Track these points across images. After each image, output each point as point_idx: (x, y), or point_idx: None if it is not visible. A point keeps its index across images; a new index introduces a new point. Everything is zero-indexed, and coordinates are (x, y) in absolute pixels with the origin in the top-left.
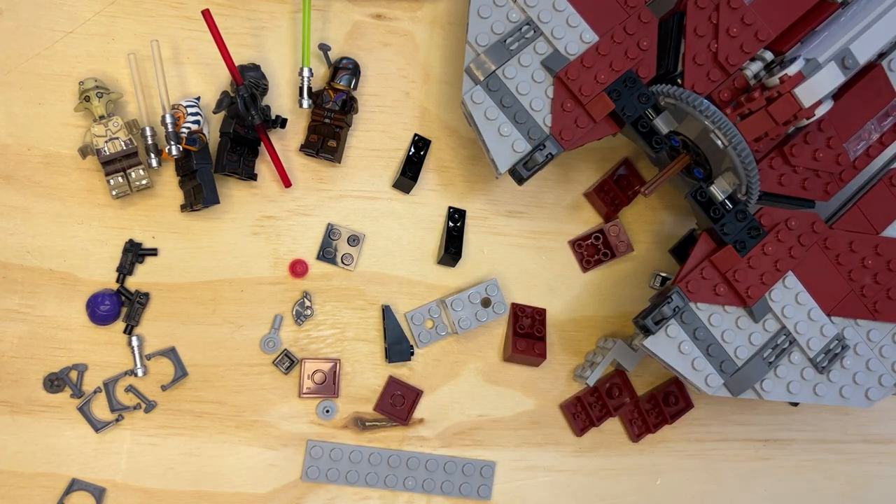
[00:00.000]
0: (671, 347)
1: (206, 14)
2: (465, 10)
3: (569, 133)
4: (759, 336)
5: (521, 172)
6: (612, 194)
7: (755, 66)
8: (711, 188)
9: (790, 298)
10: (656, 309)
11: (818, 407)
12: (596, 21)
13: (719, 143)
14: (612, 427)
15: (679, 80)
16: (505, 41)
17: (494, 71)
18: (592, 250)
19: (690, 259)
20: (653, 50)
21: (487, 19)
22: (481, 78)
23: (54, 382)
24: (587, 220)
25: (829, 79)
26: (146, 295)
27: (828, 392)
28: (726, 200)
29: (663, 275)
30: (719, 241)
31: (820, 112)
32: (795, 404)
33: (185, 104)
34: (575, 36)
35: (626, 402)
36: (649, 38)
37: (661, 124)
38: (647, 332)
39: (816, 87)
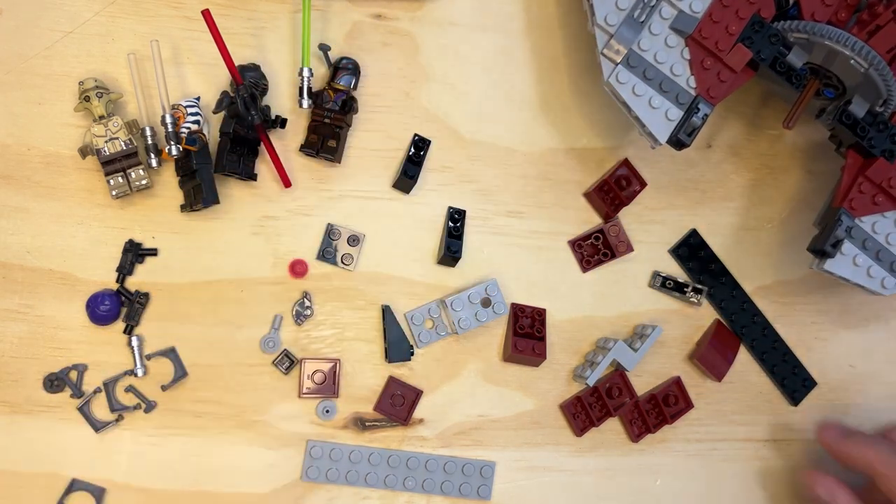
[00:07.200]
0: (847, 263)
1: (206, 14)
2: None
3: (715, 90)
4: None
5: (684, 139)
6: (612, 194)
7: None
8: (851, 108)
9: None
10: (830, 234)
11: (818, 407)
12: None
13: (860, 68)
14: (612, 427)
15: (795, 14)
16: (633, 14)
17: (631, 47)
18: (592, 250)
19: (845, 178)
20: None
21: None
22: (618, 58)
23: (54, 382)
24: (587, 220)
25: None
26: (146, 295)
27: None
28: (867, 115)
29: (663, 275)
30: (866, 154)
31: None
32: (796, 404)
33: (184, 104)
34: None
35: (626, 402)
36: None
37: (795, 59)
38: (826, 256)
39: None
